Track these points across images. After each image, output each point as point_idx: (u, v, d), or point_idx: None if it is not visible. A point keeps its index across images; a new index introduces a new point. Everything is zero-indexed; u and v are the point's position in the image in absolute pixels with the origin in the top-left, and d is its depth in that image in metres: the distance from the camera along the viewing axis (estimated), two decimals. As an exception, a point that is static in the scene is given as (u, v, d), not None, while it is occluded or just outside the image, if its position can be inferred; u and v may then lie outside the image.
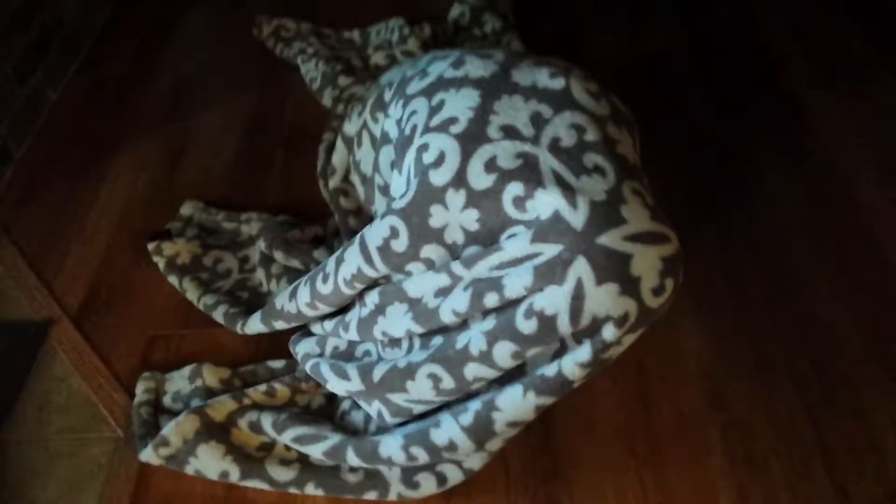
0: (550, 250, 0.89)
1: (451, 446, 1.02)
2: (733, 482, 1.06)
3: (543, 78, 1.03)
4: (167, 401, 1.22)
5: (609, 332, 0.90)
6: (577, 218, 0.89)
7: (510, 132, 0.96)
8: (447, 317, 0.99)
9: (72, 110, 1.85)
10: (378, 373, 1.09)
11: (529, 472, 1.10)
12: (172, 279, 1.39)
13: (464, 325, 1.01)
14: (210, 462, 1.12)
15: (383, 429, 1.12)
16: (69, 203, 1.60)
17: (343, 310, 1.20)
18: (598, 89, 1.03)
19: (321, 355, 1.22)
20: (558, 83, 1.02)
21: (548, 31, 1.92)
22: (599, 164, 0.94)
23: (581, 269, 0.87)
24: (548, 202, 0.90)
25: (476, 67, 1.06)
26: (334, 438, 1.10)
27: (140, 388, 1.23)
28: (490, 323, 0.95)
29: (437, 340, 1.05)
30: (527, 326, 0.91)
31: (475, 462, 1.08)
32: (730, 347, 1.22)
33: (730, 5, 1.96)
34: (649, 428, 1.13)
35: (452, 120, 1.00)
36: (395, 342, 1.14)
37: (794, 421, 1.12)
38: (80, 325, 1.36)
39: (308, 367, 1.19)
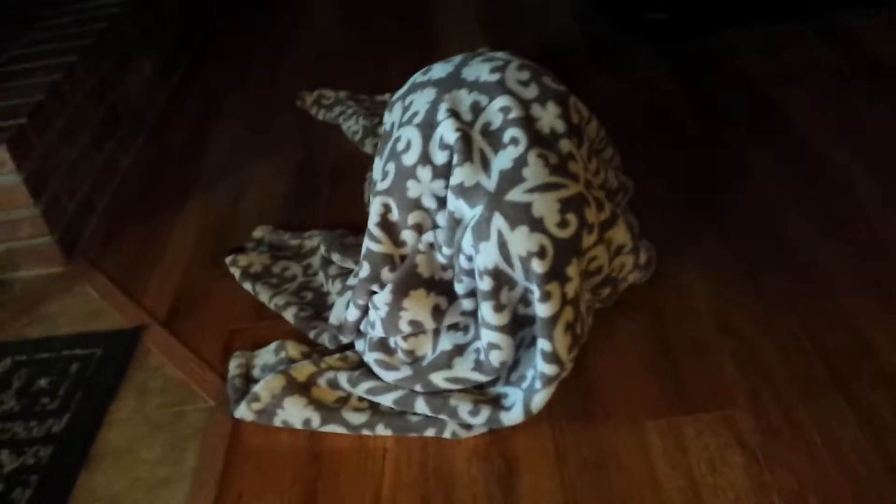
0: (477, 211, 1.17)
1: (511, 414, 1.21)
2: (745, 388, 1.23)
3: (485, 73, 1.29)
4: (256, 372, 1.40)
5: (537, 265, 1.14)
6: (490, 183, 1.18)
7: (453, 114, 1.25)
8: (458, 287, 1.25)
9: (142, 171, 2.12)
10: (428, 357, 1.29)
11: (567, 395, 1.27)
12: (247, 285, 1.61)
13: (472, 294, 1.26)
14: (294, 411, 1.30)
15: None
16: (147, 240, 1.84)
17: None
18: (529, 77, 1.28)
19: (365, 351, 1.40)
20: (495, 76, 1.27)
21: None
22: (515, 136, 1.21)
23: (498, 222, 1.15)
24: (471, 174, 1.19)
25: (437, 71, 1.34)
26: (404, 391, 1.29)
27: (233, 364, 1.42)
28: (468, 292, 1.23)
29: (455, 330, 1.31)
30: (485, 284, 1.18)
31: None
32: (733, 290, 1.42)
33: (703, 36, 2.24)
34: (669, 355, 1.31)
35: (415, 114, 1.29)
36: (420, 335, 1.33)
37: (796, 338, 1.30)
38: (169, 327, 1.56)
39: (365, 360, 1.39)
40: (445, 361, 1.27)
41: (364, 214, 1.74)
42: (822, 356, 1.26)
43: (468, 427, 1.24)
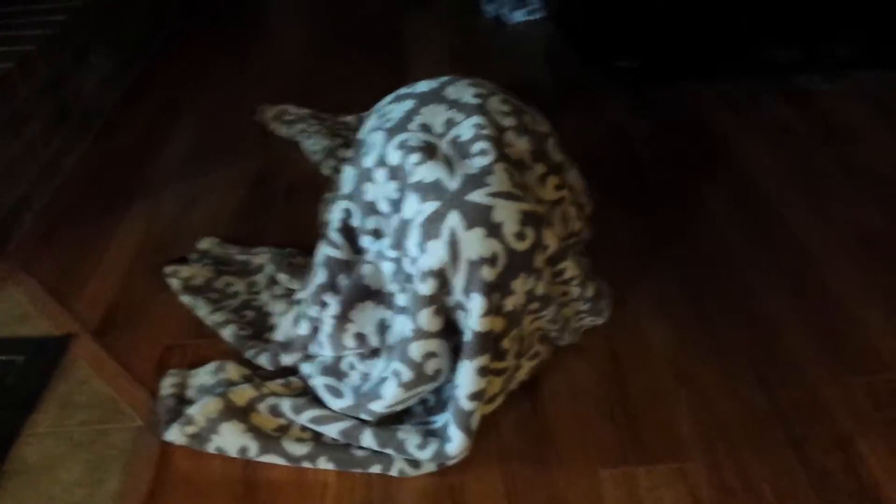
0: (430, 207, 1.12)
1: (452, 439, 1.16)
2: (701, 441, 1.20)
3: (467, 96, 1.27)
4: (191, 393, 1.32)
5: (486, 273, 1.09)
6: (452, 183, 1.13)
7: (425, 128, 1.22)
8: (400, 299, 1.18)
9: (88, 172, 2.02)
10: (365, 386, 1.24)
11: (521, 437, 1.22)
12: (185, 298, 1.52)
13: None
14: (231, 438, 1.22)
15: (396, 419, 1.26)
16: (86, 244, 1.74)
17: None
18: (511, 109, 1.26)
19: (313, 375, 1.34)
20: (477, 101, 1.26)
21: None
22: (484, 149, 1.17)
23: (453, 220, 1.10)
24: (431, 170, 1.14)
25: (422, 86, 1.32)
26: (350, 421, 1.22)
27: (166, 383, 1.33)
28: (405, 303, 1.15)
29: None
30: (425, 288, 1.12)
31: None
32: (690, 338, 1.40)
33: (672, 86, 2.25)
34: (624, 400, 1.28)
35: (389, 119, 1.26)
36: (372, 353, 1.28)
37: (752, 393, 1.28)
38: (100, 338, 1.47)
39: (311, 385, 1.32)
40: (376, 391, 1.21)
41: (317, 236, 1.69)
42: (777, 413, 1.24)
43: (416, 464, 1.18)
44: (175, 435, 1.23)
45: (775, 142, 1.99)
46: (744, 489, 1.12)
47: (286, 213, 1.82)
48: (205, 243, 1.69)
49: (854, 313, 1.43)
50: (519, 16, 2.80)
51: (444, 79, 1.33)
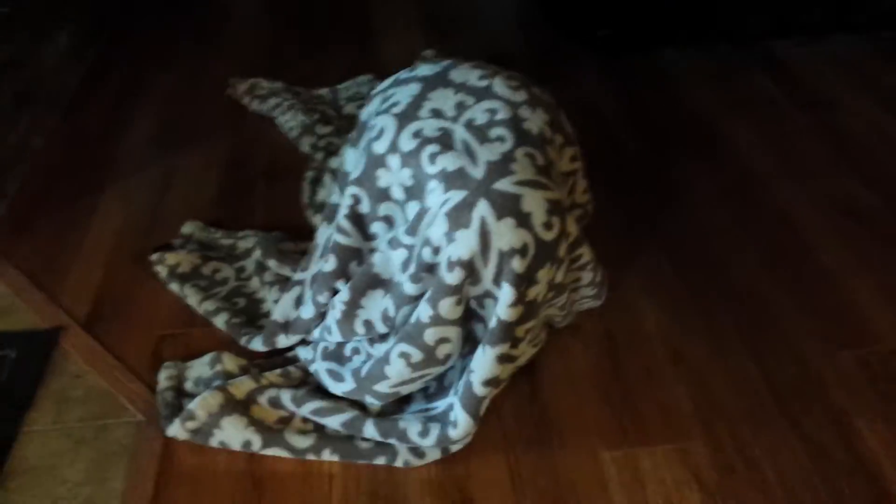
0: (456, 196, 1.11)
1: (457, 423, 1.17)
2: (699, 421, 1.24)
3: (473, 78, 1.26)
4: (189, 385, 1.31)
5: (517, 264, 1.09)
6: (476, 171, 1.11)
7: (436, 113, 1.20)
8: (409, 288, 1.17)
9: (56, 155, 1.95)
10: (365, 368, 1.24)
11: (522, 422, 1.25)
12: (174, 286, 1.50)
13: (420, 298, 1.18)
14: (234, 433, 1.22)
15: (397, 408, 1.26)
16: (62, 232, 1.69)
17: (324, 316, 1.34)
18: (519, 83, 1.26)
19: (314, 360, 1.34)
20: (484, 82, 1.25)
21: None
22: (501, 135, 1.17)
23: (483, 209, 1.09)
24: (454, 159, 1.13)
25: (424, 70, 1.30)
26: (352, 412, 1.23)
27: (162, 376, 1.32)
28: (428, 290, 1.14)
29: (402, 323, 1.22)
30: (452, 278, 1.11)
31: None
32: (682, 315, 1.43)
33: (643, 57, 2.26)
34: (623, 382, 1.31)
35: (395, 104, 1.24)
36: (381, 337, 1.29)
37: (744, 366, 1.32)
38: (90, 330, 1.45)
39: (311, 371, 1.32)
40: (380, 371, 1.21)
41: (302, 216, 1.68)
42: (771, 389, 1.28)
43: (420, 454, 1.20)
44: (177, 430, 1.23)
45: (754, 112, 2.01)
46: (745, 468, 1.16)
47: (267, 194, 1.79)
48: (188, 227, 1.66)
49: (843, 286, 1.47)
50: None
51: (446, 62, 1.30)
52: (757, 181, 1.76)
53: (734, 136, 1.92)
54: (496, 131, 1.16)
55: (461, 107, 1.20)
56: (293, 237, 1.61)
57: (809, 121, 1.96)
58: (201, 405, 1.23)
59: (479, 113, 1.19)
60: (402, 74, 1.32)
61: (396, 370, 1.18)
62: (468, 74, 1.26)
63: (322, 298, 1.28)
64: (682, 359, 1.34)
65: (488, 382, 1.15)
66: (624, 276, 1.51)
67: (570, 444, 1.21)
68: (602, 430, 1.23)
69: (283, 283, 1.49)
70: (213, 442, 1.22)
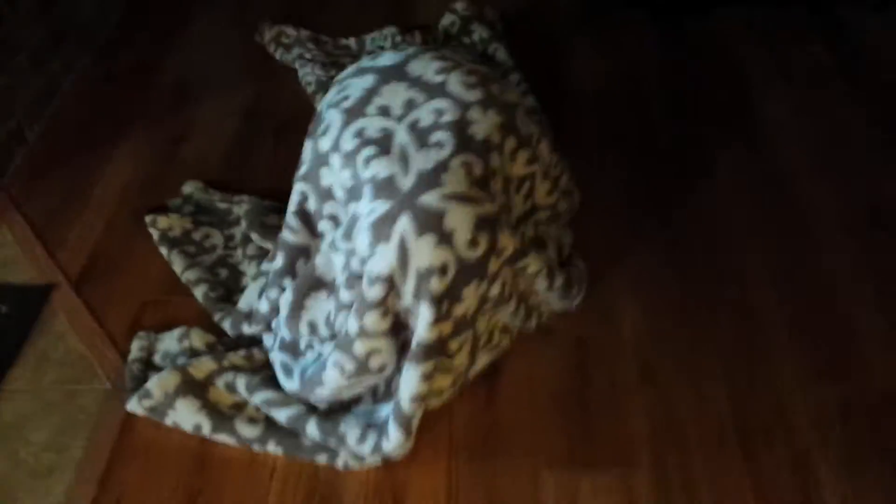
0: (381, 207, 1.07)
1: (389, 437, 1.15)
2: (651, 448, 1.17)
3: (430, 72, 1.20)
4: (157, 359, 1.34)
5: (436, 284, 1.05)
6: (405, 181, 1.08)
7: (383, 111, 1.16)
8: (344, 294, 1.15)
9: (83, 98, 1.99)
10: (309, 371, 1.23)
11: (471, 431, 1.21)
12: (163, 250, 1.52)
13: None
14: (186, 415, 1.24)
15: (343, 408, 1.25)
16: (76, 181, 1.73)
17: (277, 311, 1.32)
18: (477, 81, 1.19)
19: (272, 349, 1.33)
20: (440, 77, 1.19)
21: (532, 38, 2.05)
22: (441, 140, 1.11)
23: (404, 224, 1.06)
24: (386, 165, 1.09)
25: (385, 59, 1.25)
26: (299, 408, 1.22)
27: (135, 346, 1.35)
28: (349, 300, 1.13)
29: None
30: (373, 292, 1.09)
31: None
32: (662, 327, 1.34)
33: (699, 18, 2.07)
34: (582, 394, 1.25)
35: (346, 97, 1.20)
36: (331, 336, 1.26)
37: (715, 390, 1.24)
38: (80, 290, 1.49)
39: (270, 359, 1.32)
40: (319, 377, 1.20)
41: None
42: (738, 422, 1.20)
43: (360, 458, 1.18)
44: (135, 406, 1.26)
45: (804, 90, 1.83)
46: (685, 501, 1.10)
47: (276, 154, 1.77)
48: (188, 187, 1.67)
49: (845, 311, 1.35)
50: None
51: (409, 51, 1.25)
52: (784, 176, 1.62)
53: (773, 122, 1.75)
54: (437, 136, 1.12)
55: (410, 105, 1.16)
56: (284, 207, 1.59)
57: (863, 102, 1.76)
58: (159, 384, 1.25)
59: (425, 113, 1.15)
60: (364, 62, 1.26)
61: (332, 377, 1.17)
62: (426, 67, 1.21)
63: (273, 294, 1.27)
64: (651, 374, 1.27)
65: (415, 399, 1.13)
66: (614, 273, 1.43)
67: (514, 459, 1.18)
68: (551, 447, 1.19)
69: (265, 256, 1.48)
70: (168, 421, 1.25)
